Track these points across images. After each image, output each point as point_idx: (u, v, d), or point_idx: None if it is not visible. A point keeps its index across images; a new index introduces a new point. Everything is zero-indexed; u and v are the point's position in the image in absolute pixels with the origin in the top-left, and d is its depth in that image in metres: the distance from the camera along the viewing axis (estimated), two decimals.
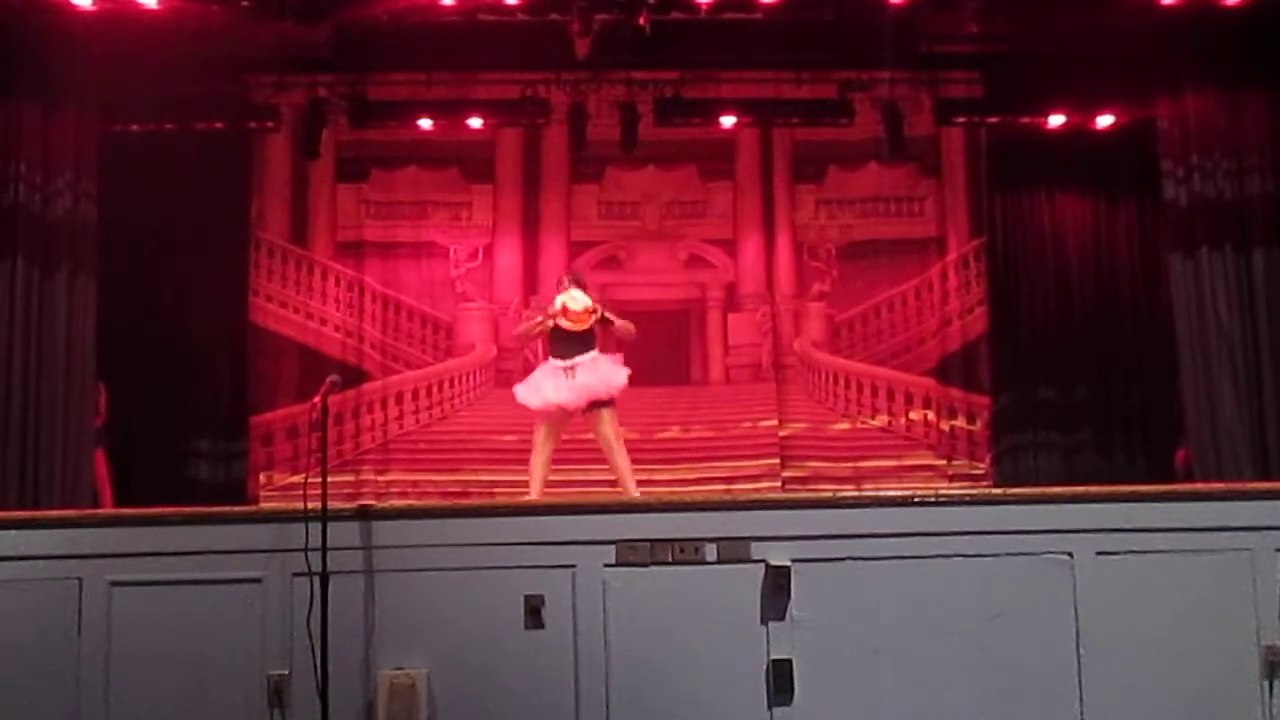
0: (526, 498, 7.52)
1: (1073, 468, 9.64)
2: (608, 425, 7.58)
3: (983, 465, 10.02)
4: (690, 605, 5.28)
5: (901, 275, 10.30)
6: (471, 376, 10.15)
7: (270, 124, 9.68)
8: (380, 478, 9.85)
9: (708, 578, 5.31)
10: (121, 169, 8.85)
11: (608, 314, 7.72)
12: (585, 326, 7.61)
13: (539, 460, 7.60)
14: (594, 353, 7.64)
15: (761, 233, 10.34)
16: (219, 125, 9.48)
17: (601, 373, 7.60)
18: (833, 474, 9.97)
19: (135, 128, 9.14)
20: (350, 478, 9.63)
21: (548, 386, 7.55)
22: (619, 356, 7.79)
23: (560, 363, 7.58)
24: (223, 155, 9.75)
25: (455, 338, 10.21)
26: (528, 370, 8.33)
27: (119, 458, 8.94)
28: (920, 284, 10.28)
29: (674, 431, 10.04)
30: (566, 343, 7.62)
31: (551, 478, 7.75)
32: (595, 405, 7.56)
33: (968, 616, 5.30)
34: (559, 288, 7.84)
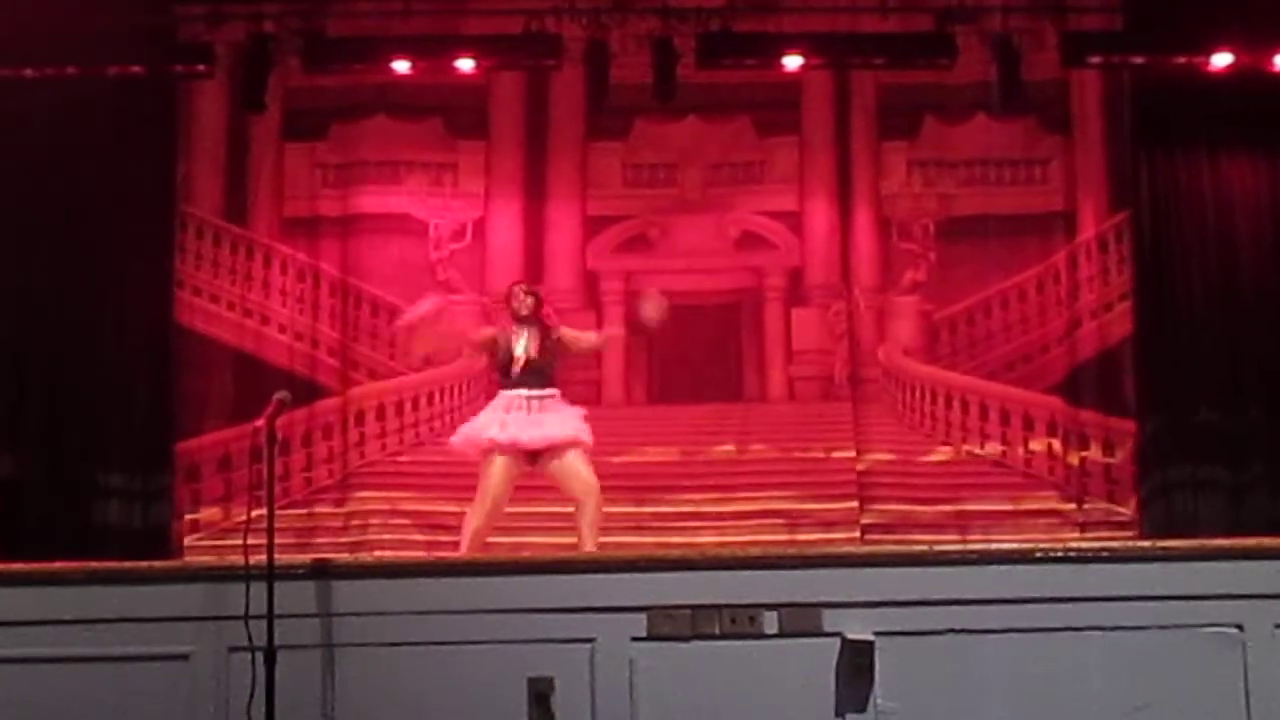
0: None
1: (1243, 513, 9.61)
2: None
3: (1126, 510, 9.98)
4: (744, 691, 5.30)
5: (1019, 261, 10.27)
6: (458, 390, 10.17)
7: (201, 67, 9.72)
8: (339, 509, 9.88)
9: (766, 656, 5.33)
10: (8, 125, 8.93)
11: None
12: None
13: None
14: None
15: (835, 204, 10.33)
16: (135, 69, 9.53)
17: None
18: (929, 520, 9.95)
19: (29, 72, 9.22)
20: (302, 513, 9.67)
21: None
22: None
23: None
24: (140, 108, 9.82)
25: None
26: None
27: (5, 497, 9.03)
28: (1044, 272, 10.25)
29: (723, 459, 10.03)
30: None
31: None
32: None
33: (1105, 708, 5.30)
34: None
